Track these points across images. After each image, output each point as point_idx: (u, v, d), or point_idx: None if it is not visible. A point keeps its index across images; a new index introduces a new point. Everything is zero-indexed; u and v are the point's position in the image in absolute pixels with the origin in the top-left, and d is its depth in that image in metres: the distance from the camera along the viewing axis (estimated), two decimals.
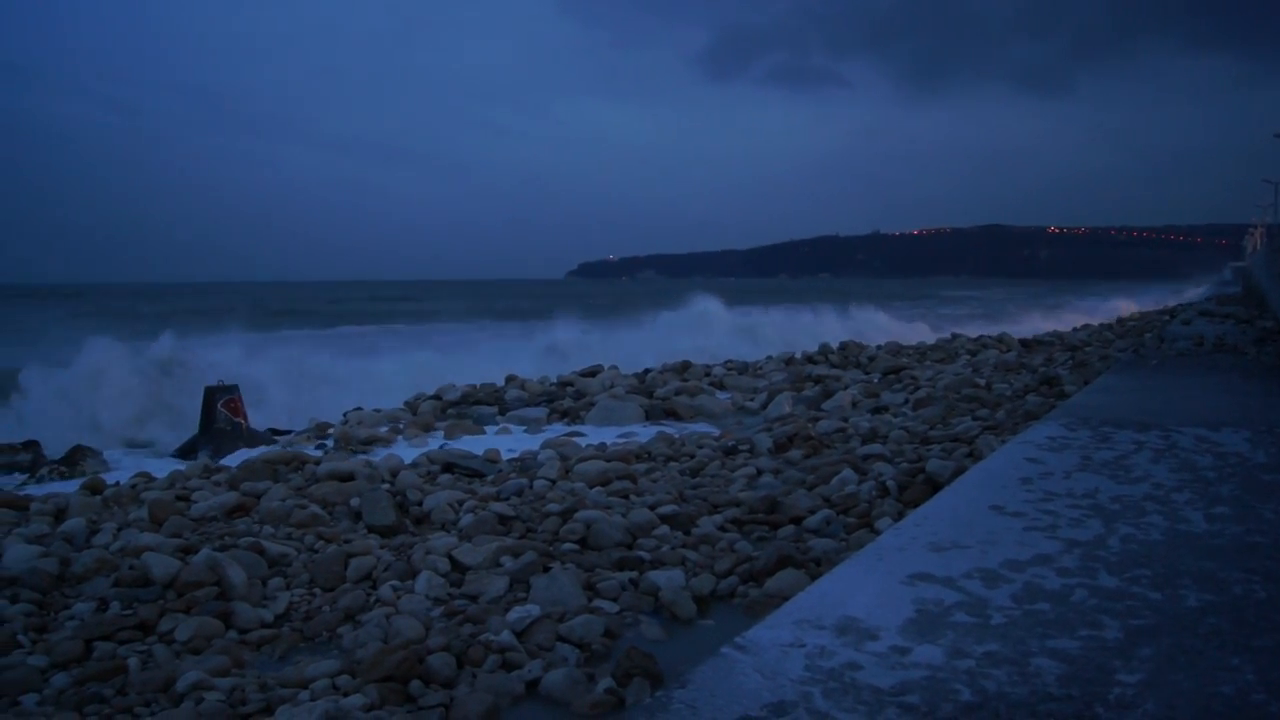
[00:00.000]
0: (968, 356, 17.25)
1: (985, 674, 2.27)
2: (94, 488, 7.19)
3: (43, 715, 3.74)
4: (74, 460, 9.28)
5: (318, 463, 7.51)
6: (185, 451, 9.89)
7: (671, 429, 10.41)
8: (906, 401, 11.16)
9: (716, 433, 9.50)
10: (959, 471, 5.85)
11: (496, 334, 31.48)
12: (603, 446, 8.71)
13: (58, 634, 4.52)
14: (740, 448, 8.42)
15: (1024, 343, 19.42)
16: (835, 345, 18.94)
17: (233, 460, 8.27)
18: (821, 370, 15.24)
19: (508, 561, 5.30)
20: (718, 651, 2.42)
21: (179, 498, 6.65)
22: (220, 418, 10.19)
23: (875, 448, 7.90)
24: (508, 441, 9.60)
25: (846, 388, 12.70)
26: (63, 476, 8.77)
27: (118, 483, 7.51)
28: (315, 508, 6.27)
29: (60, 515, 6.32)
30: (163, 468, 8.37)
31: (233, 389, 10.55)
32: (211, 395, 10.34)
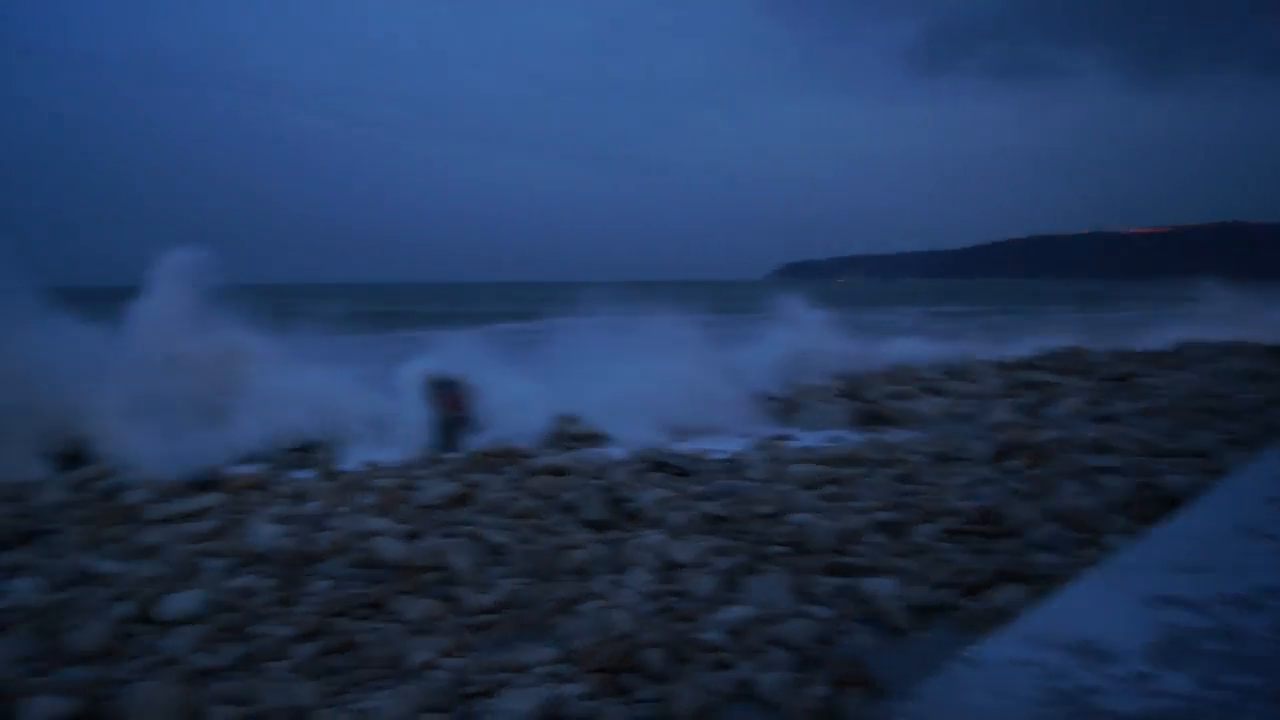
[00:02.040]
0: (1205, 364, 16.03)
1: (1243, 709, 2.10)
2: (329, 474, 7.67)
3: (287, 682, 4.02)
4: (308, 449, 9.88)
5: (534, 456, 7.75)
6: (433, 443, 10.31)
7: (882, 433, 10.18)
8: (1136, 411, 10.50)
9: (927, 438, 9.21)
10: (1198, 488, 5.46)
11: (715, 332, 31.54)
12: (812, 449, 8.60)
13: (300, 608, 4.85)
14: (956, 455, 8.14)
15: (1273, 350, 17.78)
16: (1055, 349, 17.97)
17: (455, 452, 8.61)
18: (1041, 376, 14.51)
19: (718, 561, 5.32)
20: (942, 665, 2.34)
21: (404, 486, 6.99)
22: (443, 410, 10.60)
23: (1103, 459, 7.46)
24: (716, 441, 9.60)
25: (1069, 395, 12.06)
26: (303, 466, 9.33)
27: (349, 471, 7.96)
28: (531, 500, 6.48)
29: (300, 499, 6.77)
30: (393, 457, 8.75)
31: (455, 382, 10.95)
32: (434, 387, 10.76)
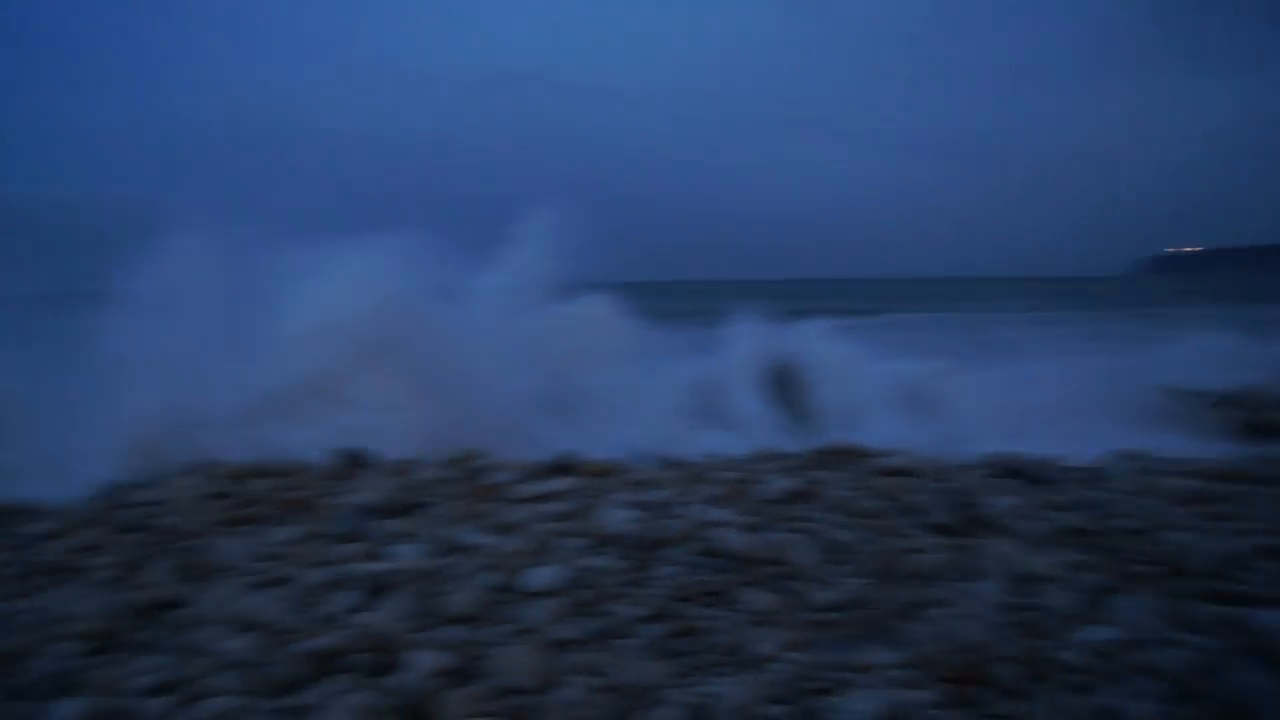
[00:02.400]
0: None
1: None
2: (674, 464, 7.89)
3: (636, 660, 4.17)
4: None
5: (877, 456, 7.59)
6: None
7: (1272, 448, 9.09)
8: None
9: None
10: None
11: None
12: (1185, 461, 7.82)
13: (647, 590, 5.03)
14: None
15: None
16: None
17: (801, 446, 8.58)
18: None
19: (1077, 576, 4.96)
20: None
21: (746, 479, 7.06)
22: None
23: None
24: (1079, 447, 8.94)
25: None
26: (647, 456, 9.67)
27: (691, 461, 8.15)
28: (875, 500, 6.35)
29: (648, 486, 7.01)
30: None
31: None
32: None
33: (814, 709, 3.72)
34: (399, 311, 9.44)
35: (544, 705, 3.70)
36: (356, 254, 9.72)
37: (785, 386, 11.29)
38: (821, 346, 12.95)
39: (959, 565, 5.27)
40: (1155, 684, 3.87)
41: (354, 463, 7.83)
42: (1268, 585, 4.86)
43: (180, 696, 4.09)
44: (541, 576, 5.06)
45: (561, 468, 7.44)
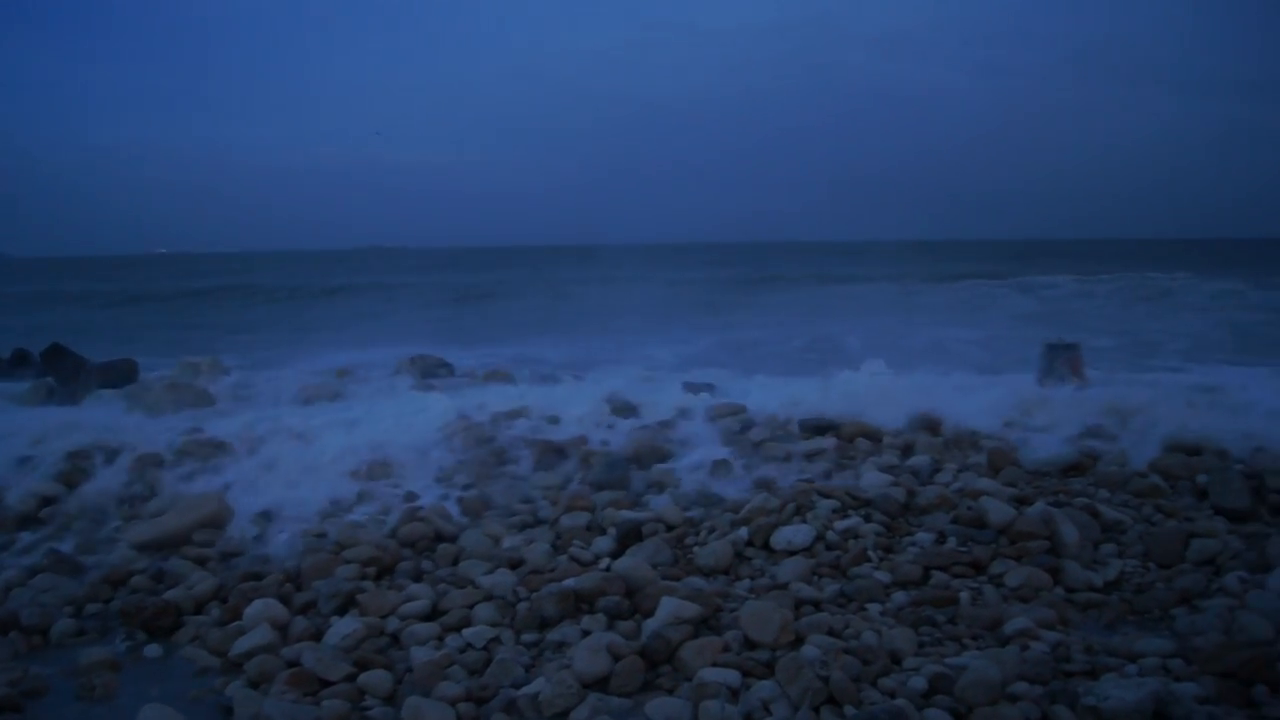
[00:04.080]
0: None
1: None
2: (934, 429, 7.63)
3: (883, 624, 4.14)
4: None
5: (1161, 428, 7.04)
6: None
7: None
8: None
9: None
10: None
11: None
12: None
13: (900, 556, 4.97)
14: None
15: None
16: None
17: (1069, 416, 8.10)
18: None
19: None
20: None
21: (1013, 448, 6.75)
22: (1060, 374, 10.14)
23: None
24: None
25: None
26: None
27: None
28: (1156, 478, 5.92)
29: (908, 450, 6.87)
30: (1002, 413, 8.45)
31: (1074, 346, 10.42)
32: (1052, 351, 10.33)
33: (1072, 692, 3.55)
34: None
35: (786, 661, 3.74)
36: None
37: None
38: None
39: (1247, 553, 4.86)
40: None
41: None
42: None
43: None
44: (792, 534, 5.10)
45: (822, 428, 7.40)
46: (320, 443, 7.40)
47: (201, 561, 5.49)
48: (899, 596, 4.52)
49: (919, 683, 3.63)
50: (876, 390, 8.45)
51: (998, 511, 5.25)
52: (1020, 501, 5.49)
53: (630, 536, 5.33)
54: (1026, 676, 3.66)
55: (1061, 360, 10.25)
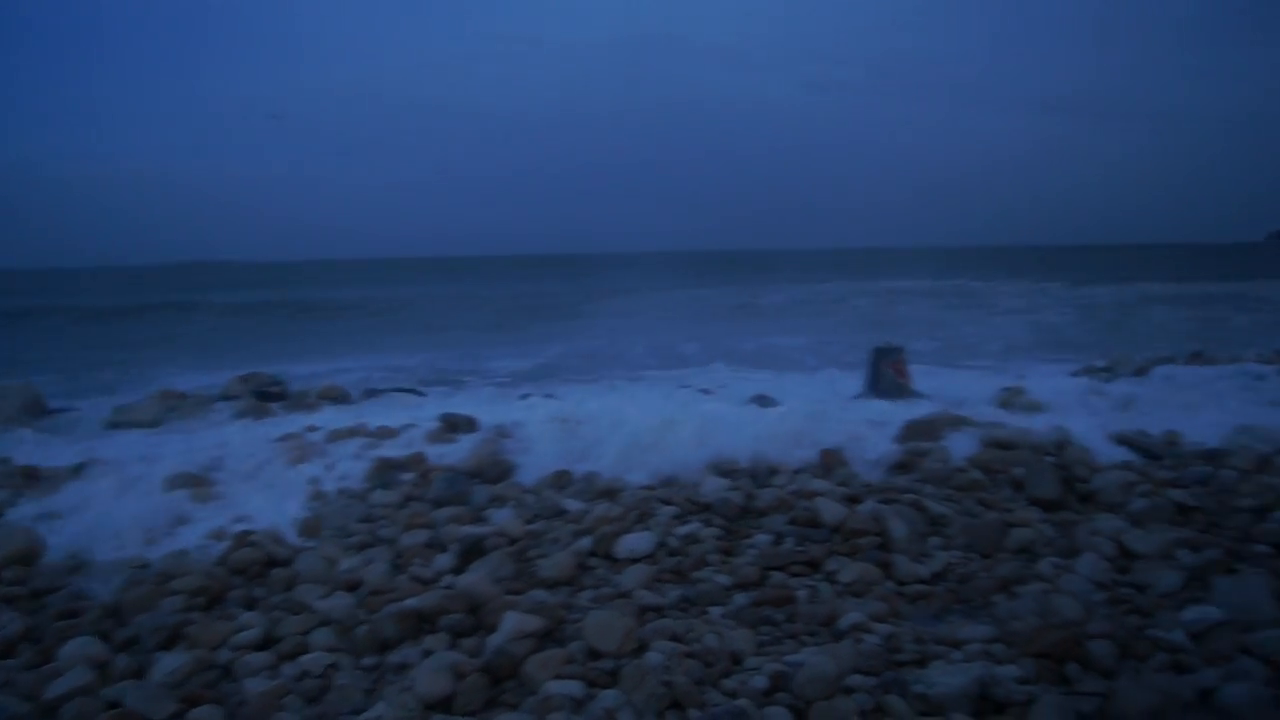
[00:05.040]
0: None
1: None
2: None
3: (724, 626, 4.22)
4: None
5: (981, 428, 7.42)
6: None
7: None
8: None
9: None
10: None
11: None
12: None
13: (740, 558, 5.07)
14: None
15: None
16: None
17: (895, 417, 8.46)
18: None
19: (1184, 555, 4.82)
20: None
21: (844, 449, 6.97)
22: (885, 377, 10.59)
23: None
24: (1191, 421, 8.58)
25: None
26: None
27: None
28: (976, 472, 6.24)
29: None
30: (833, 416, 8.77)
31: (898, 350, 10.90)
32: (878, 355, 10.78)
33: (901, 680, 3.71)
34: None
35: (629, 669, 3.77)
36: None
37: None
38: None
39: (1059, 541, 5.17)
40: (1261, 667, 3.75)
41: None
42: None
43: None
44: (634, 542, 5.13)
45: None
46: (143, 468, 7.03)
47: (10, 600, 5.12)
48: (739, 598, 4.61)
49: (760, 681, 3.72)
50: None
51: (831, 511, 5.43)
52: (852, 500, 5.68)
53: (472, 552, 5.27)
54: (861, 669, 3.80)
55: (887, 363, 10.72)
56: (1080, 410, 9.10)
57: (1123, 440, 7.09)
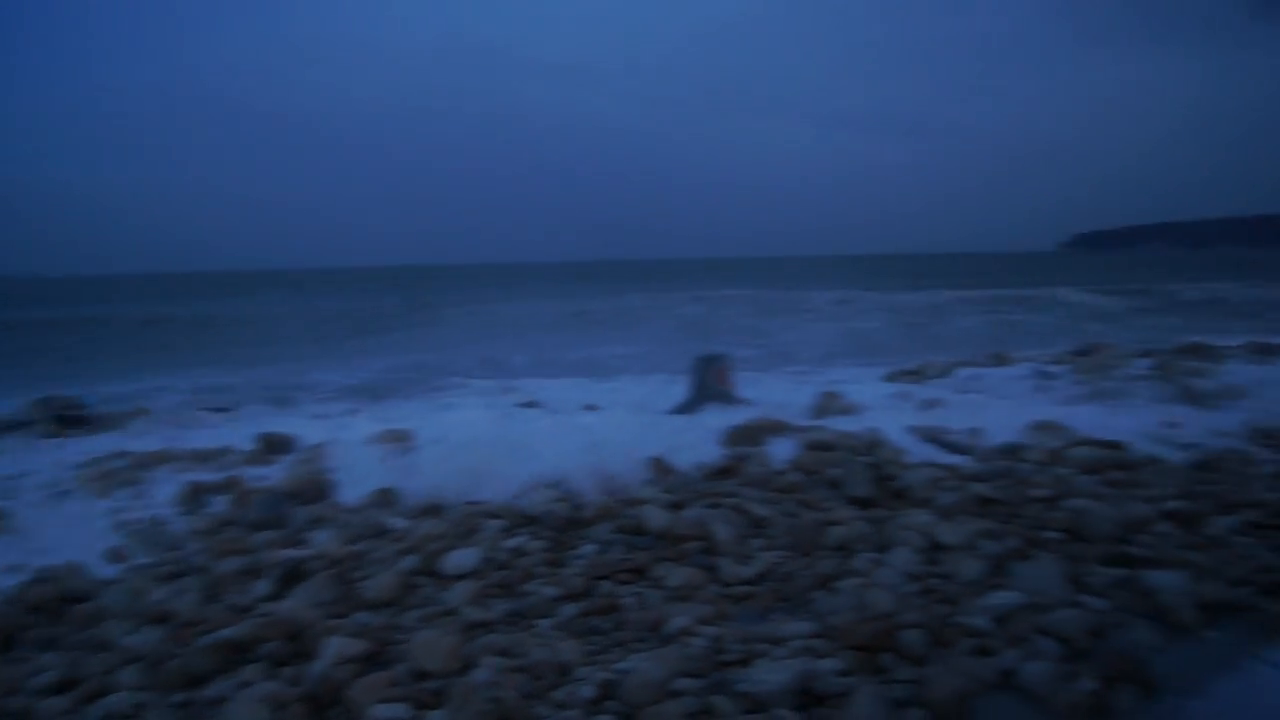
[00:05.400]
0: None
1: None
2: None
3: (553, 639, 4.21)
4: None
5: (800, 431, 7.69)
6: (680, 411, 10.57)
7: (1182, 415, 9.35)
8: None
9: (1234, 422, 8.39)
10: None
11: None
12: (1096, 430, 8.03)
13: (567, 569, 5.07)
14: (1266, 441, 7.39)
15: None
16: None
17: (719, 424, 8.66)
18: None
19: (987, 544, 5.10)
20: (1237, 666, 2.14)
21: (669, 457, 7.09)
22: (709, 384, 10.80)
23: None
24: (991, 419, 9.16)
25: None
26: None
27: None
28: (796, 474, 6.45)
29: None
30: (658, 425, 8.94)
31: (721, 358, 11.15)
32: (701, 363, 11.00)
33: (726, 681, 3.79)
34: None
35: (456, 688, 3.72)
36: None
37: None
38: None
39: (874, 536, 5.38)
40: (1054, 645, 4.02)
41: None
42: (1165, 549, 5.05)
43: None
44: (460, 559, 5.06)
45: None
46: None
47: None
48: (567, 609, 4.61)
49: (588, 691, 3.72)
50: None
51: (656, 518, 5.51)
52: (677, 507, 5.77)
53: (292, 577, 5.07)
54: (687, 671, 3.86)
55: (710, 371, 10.93)
56: (892, 412, 9.54)
57: (930, 438, 7.49)
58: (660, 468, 6.63)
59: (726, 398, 10.67)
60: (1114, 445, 7.10)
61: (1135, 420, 8.26)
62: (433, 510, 6.04)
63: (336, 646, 4.02)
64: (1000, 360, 13.84)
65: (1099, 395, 10.58)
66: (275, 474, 7.02)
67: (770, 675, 3.75)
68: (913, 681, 3.75)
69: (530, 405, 11.12)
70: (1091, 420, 8.09)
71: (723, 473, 6.68)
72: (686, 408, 10.44)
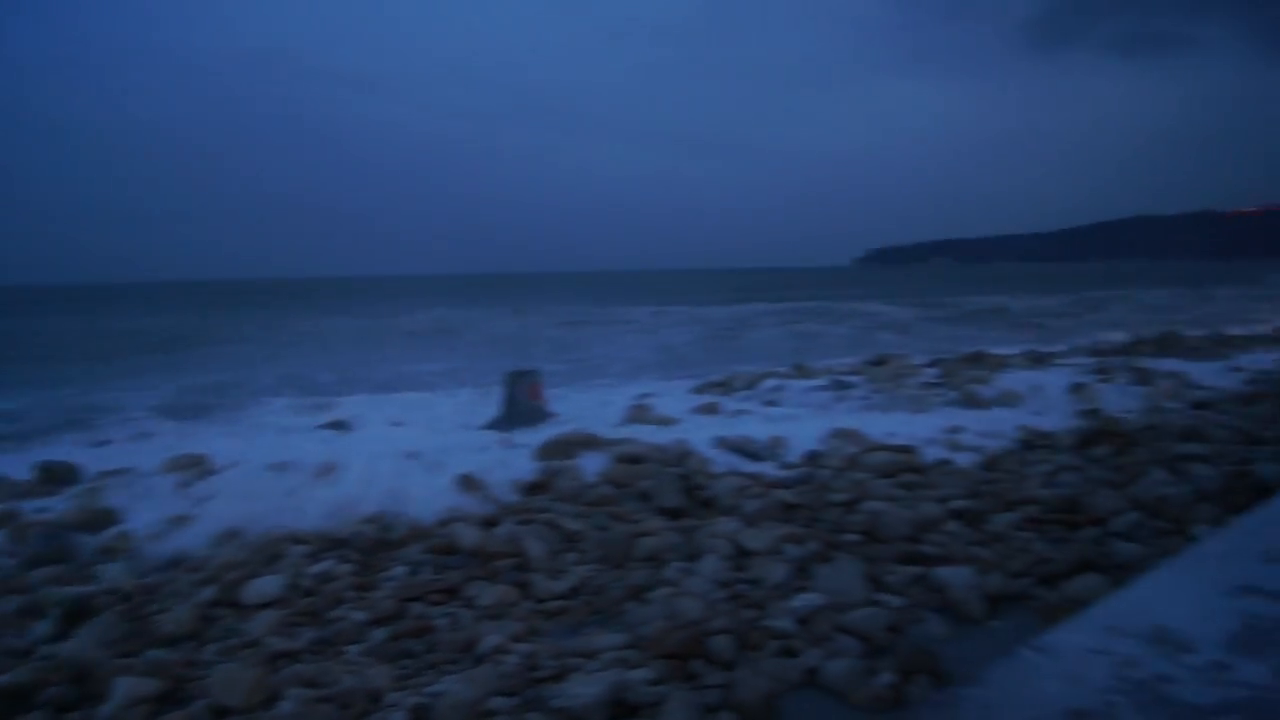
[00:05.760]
0: None
1: None
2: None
3: (362, 665, 4.10)
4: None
5: (611, 445, 7.76)
6: (492, 427, 10.50)
7: (967, 420, 9.97)
8: (1234, 396, 10.14)
9: (1012, 425, 9.01)
10: None
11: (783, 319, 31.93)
12: (892, 434, 8.46)
13: (377, 592, 4.95)
14: (1039, 442, 7.96)
15: None
16: (1149, 336, 17.51)
17: (531, 439, 8.65)
18: (1135, 361, 14.11)
19: (791, 549, 5.29)
20: (1013, 652, 2.29)
21: (483, 474, 7.04)
22: (521, 400, 10.77)
23: (1194, 447, 7.22)
24: (794, 428, 9.52)
25: (1163, 379, 11.69)
26: None
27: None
28: (607, 487, 6.51)
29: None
30: (470, 441, 8.87)
31: (533, 373, 11.14)
32: (513, 379, 10.96)
33: (540, 698, 3.78)
34: None
35: None
36: None
37: None
38: None
39: (684, 546, 5.49)
40: (854, 643, 4.21)
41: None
42: (953, 546, 5.37)
43: None
44: (263, 586, 4.87)
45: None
46: None
47: None
48: (377, 633, 4.50)
49: (399, 717, 3.64)
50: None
51: (468, 536, 5.45)
52: (489, 524, 5.73)
53: (77, 614, 4.74)
54: (501, 690, 3.83)
55: (522, 387, 10.90)
56: (699, 423, 9.76)
57: (736, 448, 7.69)
58: (471, 485, 6.57)
59: (539, 413, 10.67)
60: (906, 450, 7.49)
61: (925, 426, 8.72)
62: (231, 537, 5.78)
63: (127, 687, 3.79)
64: (802, 371, 14.36)
65: (893, 403, 11.13)
66: (58, 505, 6.55)
67: (583, 689, 3.77)
68: (722, 686, 3.84)
69: (336, 424, 10.80)
70: (886, 427, 8.50)
71: (535, 488, 6.68)
72: (499, 424, 10.37)
